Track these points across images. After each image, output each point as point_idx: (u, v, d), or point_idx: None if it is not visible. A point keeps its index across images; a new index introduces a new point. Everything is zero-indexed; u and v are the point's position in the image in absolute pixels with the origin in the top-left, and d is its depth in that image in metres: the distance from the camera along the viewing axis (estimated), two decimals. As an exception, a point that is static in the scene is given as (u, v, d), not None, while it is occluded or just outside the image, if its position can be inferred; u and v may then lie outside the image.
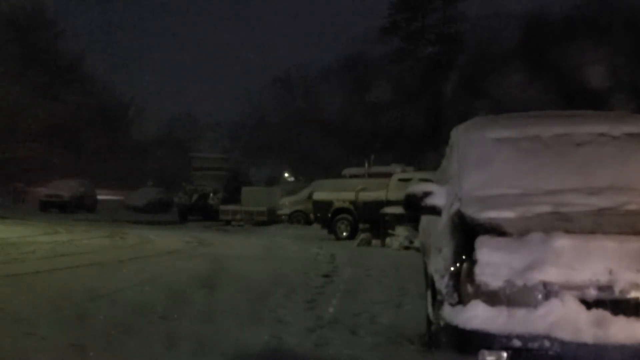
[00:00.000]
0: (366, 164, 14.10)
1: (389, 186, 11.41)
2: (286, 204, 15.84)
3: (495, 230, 2.16)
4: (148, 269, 6.64)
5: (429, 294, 2.80)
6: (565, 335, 1.93)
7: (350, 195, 12.18)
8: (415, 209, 2.80)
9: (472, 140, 2.88)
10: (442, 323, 2.17)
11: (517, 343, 1.96)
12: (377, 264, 7.36)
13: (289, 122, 29.01)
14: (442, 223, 2.59)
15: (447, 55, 22.96)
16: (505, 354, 1.98)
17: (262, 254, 8.73)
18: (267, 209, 16.40)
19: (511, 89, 19.22)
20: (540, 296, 1.99)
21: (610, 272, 1.98)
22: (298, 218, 15.24)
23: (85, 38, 48.13)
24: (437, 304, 2.30)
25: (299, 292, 5.04)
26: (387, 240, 10.09)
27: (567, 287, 1.98)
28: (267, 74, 36.60)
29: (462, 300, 2.07)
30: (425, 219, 3.43)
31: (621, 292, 1.96)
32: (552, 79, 18.86)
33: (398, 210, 9.23)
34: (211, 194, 18.96)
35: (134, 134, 30.59)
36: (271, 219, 16.13)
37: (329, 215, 12.24)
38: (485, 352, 1.99)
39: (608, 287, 1.96)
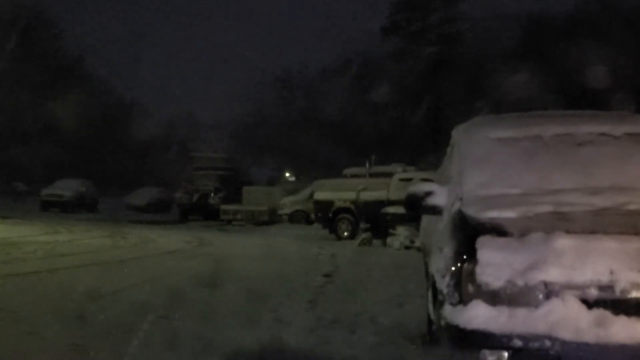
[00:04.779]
0: (367, 164, 14.09)
1: (390, 186, 11.40)
2: (287, 204, 15.84)
3: (497, 230, 2.16)
4: (149, 269, 6.65)
5: (429, 293, 2.80)
6: (566, 335, 1.93)
7: (351, 195, 12.18)
8: (416, 208, 2.80)
9: (473, 140, 2.88)
10: (443, 323, 2.17)
11: (518, 343, 1.96)
12: (378, 264, 7.35)
13: (289, 122, 29.00)
14: (443, 223, 2.59)
15: (447, 55, 22.94)
16: (506, 354, 1.98)
17: (262, 254, 8.73)
18: (268, 209, 16.40)
19: (512, 89, 19.20)
20: (541, 296, 1.99)
21: (612, 272, 1.98)
22: (299, 218, 15.23)
23: (86, 38, 48.16)
24: (438, 303, 2.30)
25: (299, 291, 5.04)
26: (388, 240, 10.09)
27: (568, 287, 1.98)
28: (267, 73, 36.59)
29: (463, 300, 2.07)
30: (426, 219, 3.43)
31: (622, 292, 1.96)
32: (553, 78, 18.84)
33: (399, 210, 9.24)
34: (212, 194, 18.97)
35: (134, 133, 30.61)
36: (272, 218, 16.13)
37: (330, 215, 12.24)
38: (487, 351, 2.00)
39: (609, 287, 1.96)
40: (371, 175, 13.52)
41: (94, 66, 30.79)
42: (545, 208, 2.27)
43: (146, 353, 3.11)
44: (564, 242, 2.03)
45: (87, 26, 53.30)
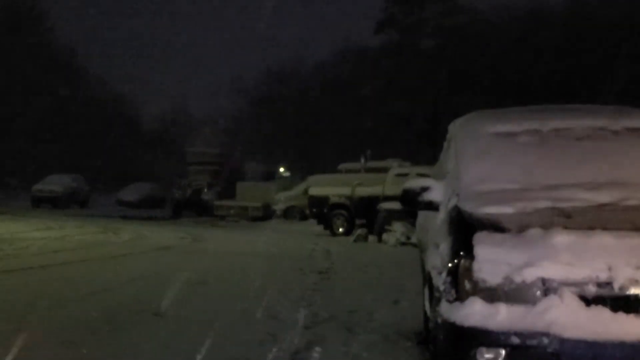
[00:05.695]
0: (362, 159, 14.06)
1: (385, 181, 11.38)
2: (281, 200, 15.80)
3: (494, 226, 2.13)
4: (141, 266, 6.60)
5: (426, 290, 2.78)
6: (564, 332, 1.91)
7: (346, 191, 12.14)
8: (412, 204, 2.77)
9: (470, 134, 2.85)
10: (439, 320, 2.15)
11: (515, 340, 1.94)
12: (373, 260, 7.34)
13: (284, 117, 28.92)
14: (439, 219, 2.56)
15: (445, 49, 22.87)
16: (503, 351, 1.96)
17: (256, 250, 8.69)
18: (262, 205, 16.35)
19: (510, 83, 19.21)
20: (539, 293, 1.97)
21: (610, 269, 1.96)
22: (293, 213, 15.20)
23: (79, 32, 47.66)
24: (435, 300, 2.28)
25: (294, 289, 5.01)
26: (384, 236, 10.07)
27: (566, 283, 1.96)
28: (262, 67, 36.44)
29: (460, 297, 2.05)
30: (422, 215, 3.40)
31: (620, 288, 1.94)
32: (551, 73, 18.88)
33: (395, 205, 9.21)
34: (205, 189, 18.86)
35: (127, 128, 30.40)
36: (266, 214, 16.09)
37: (325, 210, 12.21)
38: (483, 349, 1.97)
39: (607, 284, 1.95)
40: (367, 170, 13.49)
41: (87, 60, 30.52)
42: (543, 204, 2.24)
43: (138, 351, 3.07)
44: (562, 239, 2.01)
45: (81, 20, 52.70)
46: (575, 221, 2.11)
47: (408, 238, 9.15)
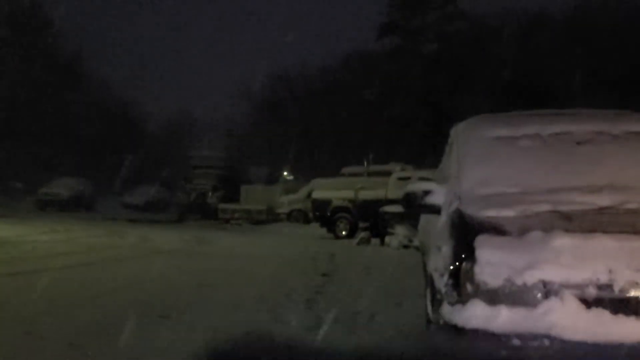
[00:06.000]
0: (365, 163, 14.08)
1: (388, 185, 11.40)
2: (285, 203, 15.83)
3: (495, 229, 2.16)
4: (147, 268, 6.63)
5: (428, 292, 2.79)
6: (564, 334, 1.93)
7: (349, 194, 12.17)
8: (414, 207, 2.79)
9: (472, 138, 2.88)
10: (441, 322, 2.17)
11: (516, 342, 1.96)
12: (376, 263, 7.35)
13: (288, 121, 28.99)
14: (441, 222, 2.59)
15: (446, 54, 22.92)
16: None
17: (260, 253, 8.72)
18: (266, 208, 16.40)
19: (512, 87, 19.21)
20: (539, 295, 1.99)
21: (610, 271, 1.98)
22: (297, 217, 15.23)
23: (84, 36, 48.03)
24: (437, 302, 2.30)
25: (298, 291, 5.03)
26: (387, 239, 10.09)
27: (567, 286, 1.98)
28: (265, 71, 36.58)
29: (462, 299, 2.07)
30: (424, 218, 3.42)
31: (621, 291, 1.96)
32: (553, 77, 18.87)
33: (397, 209, 9.24)
34: (210, 193, 18.94)
35: (132, 132, 30.59)
36: (270, 217, 16.13)
37: (328, 214, 12.24)
38: (485, 350, 1.99)
39: (608, 286, 1.96)
40: (369, 174, 13.51)
41: (92, 64, 30.77)
42: (544, 207, 2.27)
43: (144, 353, 3.10)
44: (562, 241, 2.03)
45: (85, 25, 53.13)
46: (576, 224, 2.14)
47: (410, 241, 9.15)
